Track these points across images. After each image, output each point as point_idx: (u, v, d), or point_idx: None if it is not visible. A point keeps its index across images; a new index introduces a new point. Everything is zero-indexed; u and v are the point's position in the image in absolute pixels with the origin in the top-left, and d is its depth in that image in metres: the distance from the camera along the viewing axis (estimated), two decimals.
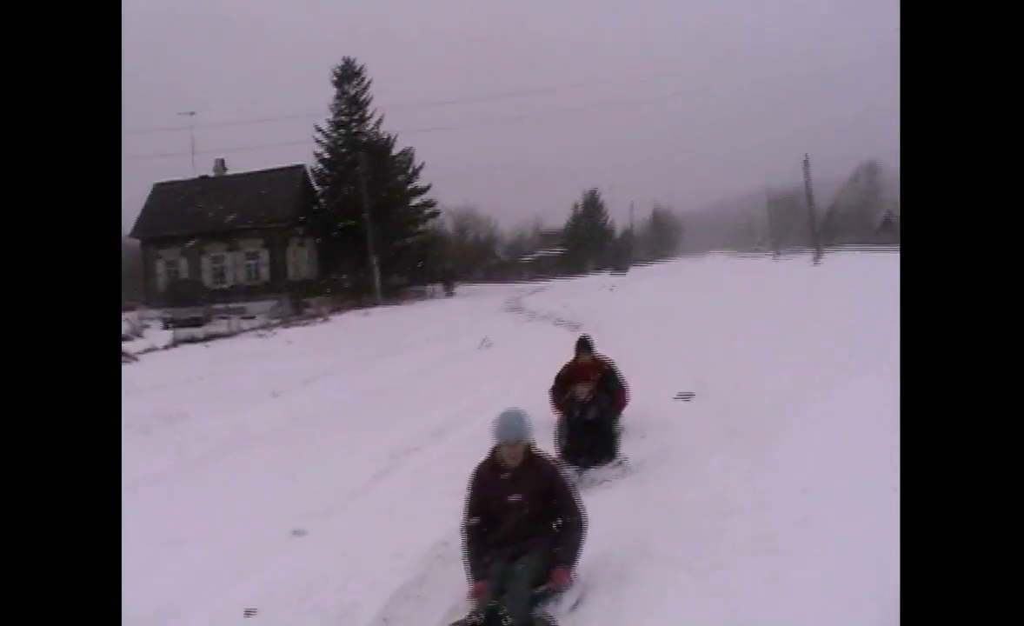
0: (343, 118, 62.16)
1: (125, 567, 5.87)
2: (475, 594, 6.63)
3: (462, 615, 6.36)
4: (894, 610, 4.97)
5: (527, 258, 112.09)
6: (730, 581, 6.64)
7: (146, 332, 41.17)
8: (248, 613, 7.04)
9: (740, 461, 9.90)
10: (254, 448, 14.46)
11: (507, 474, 7.09)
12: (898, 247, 28.12)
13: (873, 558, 6.56)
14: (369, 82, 63.04)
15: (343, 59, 62.91)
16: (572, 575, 6.82)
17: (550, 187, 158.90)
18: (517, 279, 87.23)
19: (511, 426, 7.08)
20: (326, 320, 45.32)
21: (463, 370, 22.15)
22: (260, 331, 40.45)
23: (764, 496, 8.86)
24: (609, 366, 12.81)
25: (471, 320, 39.19)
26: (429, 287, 63.85)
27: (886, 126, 41.94)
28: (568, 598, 6.48)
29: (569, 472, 8.44)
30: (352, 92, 62.21)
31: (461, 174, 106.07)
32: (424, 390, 19.44)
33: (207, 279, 57.41)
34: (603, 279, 68.60)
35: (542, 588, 6.65)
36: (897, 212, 59.08)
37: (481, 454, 8.22)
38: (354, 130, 61.99)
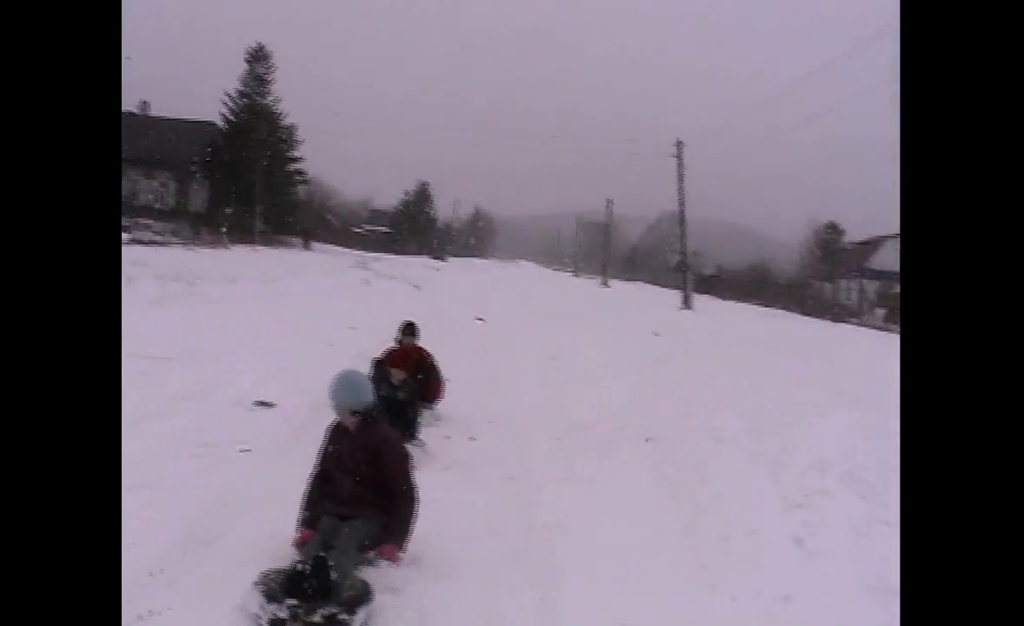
0: (248, 90, 74.64)
1: (300, 326, 20.50)
2: (299, 542, 6.65)
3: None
4: None
5: (358, 229, 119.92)
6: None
7: None
8: (352, 328, 21.08)
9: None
10: (302, 299, 28.65)
11: (346, 435, 7.21)
12: (680, 287, 47.09)
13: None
14: (275, 66, 75.67)
15: (257, 43, 75.37)
16: (401, 553, 6.79)
17: (382, 171, 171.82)
18: (353, 247, 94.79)
19: (336, 393, 7.20)
20: (228, 248, 55.64)
21: (359, 292, 36.52)
22: (185, 247, 50.84)
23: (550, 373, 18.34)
24: (428, 358, 13.17)
25: (339, 269, 51.26)
26: (292, 239, 76.89)
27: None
28: (360, 614, 5.73)
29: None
30: (259, 71, 74.83)
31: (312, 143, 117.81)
32: (350, 295, 33.70)
33: (123, 196, 69.67)
34: (425, 262, 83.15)
35: (370, 555, 6.66)
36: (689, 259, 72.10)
37: (386, 318, 17.66)
38: (256, 101, 74.42)
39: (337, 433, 7.34)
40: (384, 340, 12.76)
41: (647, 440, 11.75)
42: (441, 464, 10.06)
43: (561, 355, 20.48)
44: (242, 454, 9.68)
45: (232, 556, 6.66)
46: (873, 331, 46.46)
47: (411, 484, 7.15)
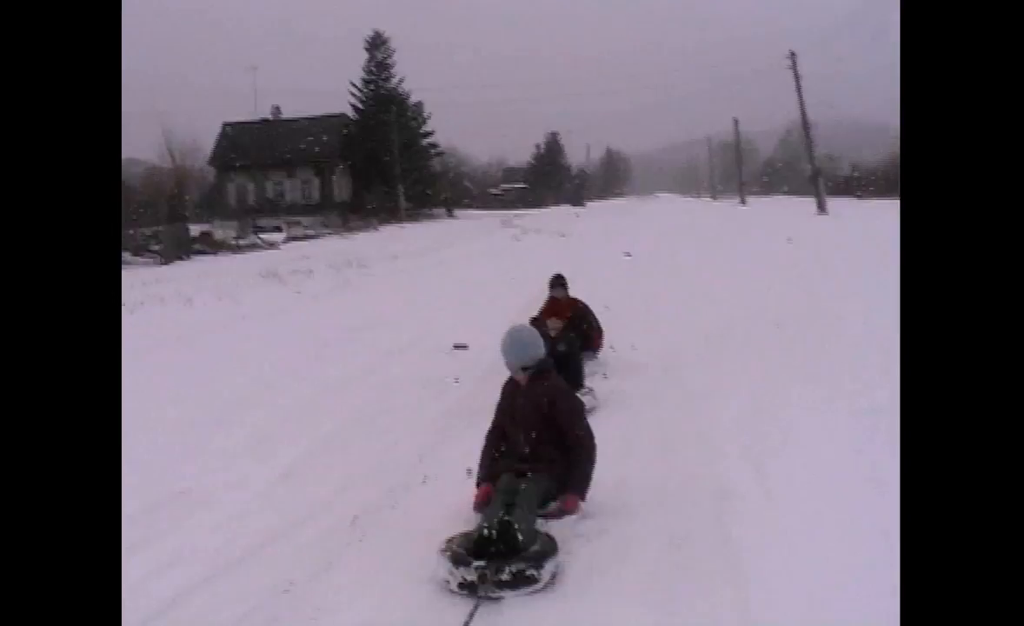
0: (372, 77, 78.22)
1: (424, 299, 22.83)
2: (479, 498, 6.83)
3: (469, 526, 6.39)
4: None
5: (494, 190, 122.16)
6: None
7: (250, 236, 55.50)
8: (512, 279, 23.81)
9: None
10: (462, 263, 31.63)
11: (519, 390, 7.25)
12: (813, 196, 47.59)
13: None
14: (394, 50, 78.99)
15: (374, 31, 78.95)
16: (582, 502, 6.78)
17: (513, 128, 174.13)
18: (493, 208, 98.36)
19: (508, 350, 7.26)
20: (377, 230, 58.63)
21: (511, 248, 39.21)
22: (340, 235, 54.74)
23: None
24: (583, 307, 13.09)
25: (487, 230, 53.96)
26: (435, 211, 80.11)
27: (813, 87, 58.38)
28: (548, 567, 5.76)
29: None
30: (380, 57, 78.27)
31: (442, 116, 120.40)
32: (503, 251, 36.86)
33: (270, 199, 74.52)
34: (566, 210, 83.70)
35: (551, 506, 6.69)
36: (822, 164, 72.33)
37: (541, 266, 19.38)
38: (381, 87, 77.99)
39: (510, 389, 7.41)
40: (543, 286, 13.62)
41: (777, 325, 14.09)
42: (609, 403, 10.41)
43: (703, 270, 23.20)
44: (456, 383, 12.20)
45: (464, 448, 8.22)
46: None
47: (587, 433, 7.08)
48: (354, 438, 9.72)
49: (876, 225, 36.58)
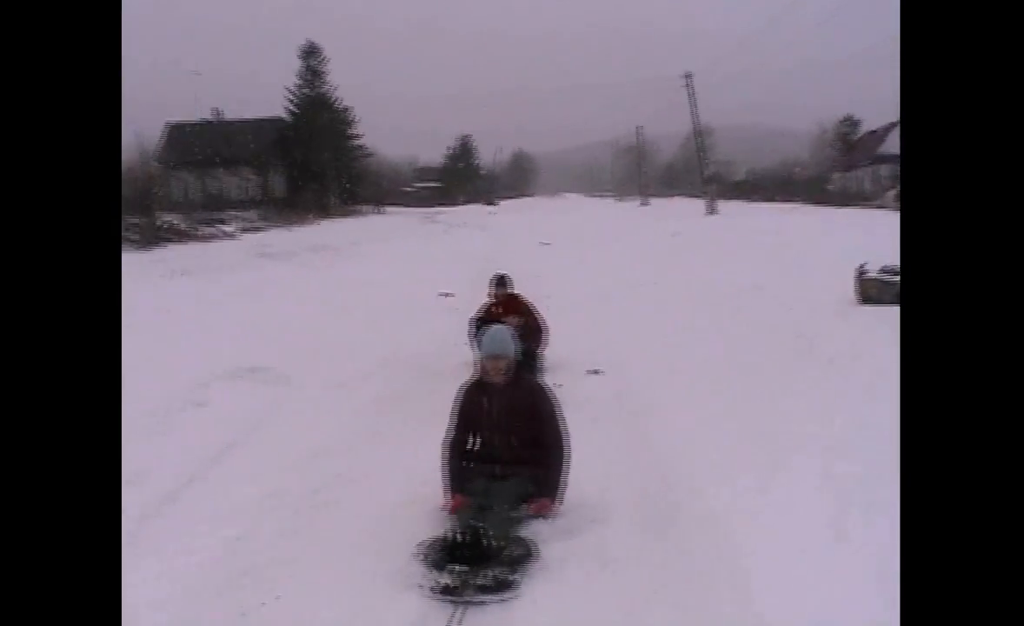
0: (305, 82, 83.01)
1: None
2: (453, 508, 6.65)
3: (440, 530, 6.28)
4: None
5: (408, 188, 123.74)
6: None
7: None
8: (460, 258, 30.47)
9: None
10: (413, 246, 37.77)
11: (493, 392, 7.08)
12: (706, 195, 55.49)
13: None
14: (328, 58, 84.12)
15: (307, 41, 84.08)
16: (556, 507, 6.72)
17: (423, 129, 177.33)
18: (408, 205, 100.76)
19: (498, 339, 7.10)
20: (316, 224, 60.85)
21: (445, 238, 45.82)
22: (285, 228, 57.28)
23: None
24: (527, 305, 12.85)
25: (414, 225, 59.35)
26: (360, 207, 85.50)
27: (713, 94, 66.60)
28: (527, 571, 5.80)
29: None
30: (313, 64, 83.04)
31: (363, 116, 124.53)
32: (440, 240, 43.50)
33: (213, 194, 79.13)
34: (481, 208, 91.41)
35: (524, 510, 6.60)
36: (718, 168, 78.49)
37: (476, 251, 30.46)
38: (314, 92, 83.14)
39: (472, 394, 7.25)
40: (483, 265, 17.46)
41: (655, 283, 21.44)
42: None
43: (606, 251, 30.73)
44: (448, 312, 18.56)
45: (462, 340, 12.85)
46: (867, 212, 53.94)
47: (565, 435, 7.04)
48: (403, 328, 16.83)
49: (751, 223, 44.27)
